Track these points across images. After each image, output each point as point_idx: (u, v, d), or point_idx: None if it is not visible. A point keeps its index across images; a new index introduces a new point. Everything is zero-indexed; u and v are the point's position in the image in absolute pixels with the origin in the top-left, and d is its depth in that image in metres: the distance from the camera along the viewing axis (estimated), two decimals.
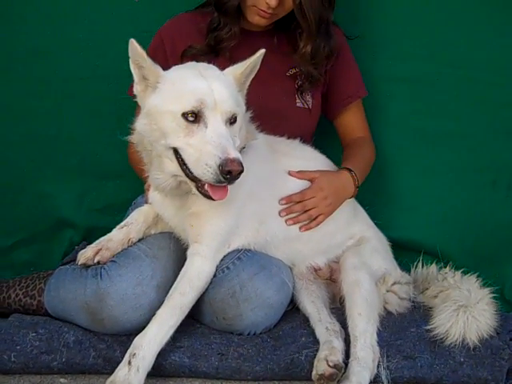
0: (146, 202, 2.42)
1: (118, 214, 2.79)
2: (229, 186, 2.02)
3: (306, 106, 2.64)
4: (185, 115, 1.98)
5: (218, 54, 2.51)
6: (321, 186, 2.38)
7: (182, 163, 2.02)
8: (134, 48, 2.03)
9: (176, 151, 2.02)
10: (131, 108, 2.63)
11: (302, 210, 2.36)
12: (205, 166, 1.92)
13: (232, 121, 2.05)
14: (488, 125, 2.84)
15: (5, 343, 2.16)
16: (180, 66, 2.18)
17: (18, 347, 2.15)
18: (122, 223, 2.36)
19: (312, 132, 2.73)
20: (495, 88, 2.80)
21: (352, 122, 2.78)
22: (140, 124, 2.09)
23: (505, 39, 2.77)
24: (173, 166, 2.05)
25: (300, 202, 2.35)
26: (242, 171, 1.91)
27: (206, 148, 1.94)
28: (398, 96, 2.88)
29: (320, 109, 2.72)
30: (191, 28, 2.56)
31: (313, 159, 2.53)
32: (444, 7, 2.78)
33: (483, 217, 2.87)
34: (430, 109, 2.86)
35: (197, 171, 1.96)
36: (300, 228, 2.38)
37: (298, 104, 2.63)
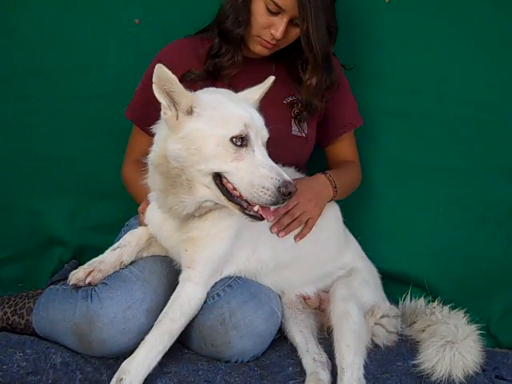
0: (140, 224, 2.41)
1: (108, 233, 2.80)
2: (228, 215, 2.12)
3: (303, 135, 2.66)
4: (233, 139, 1.99)
5: (217, 79, 2.52)
6: (301, 192, 2.33)
7: (222, 188, 2.03)
8: (163, 73, 1.99)
9: (217, 176, 2.03)
10: (126, 129, 2.68)
11: (291, 219, 2.36)
12: (261, 189, 1.96)
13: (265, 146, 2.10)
14: (479, 161, 2.87)
15: None
16: (205, 90, 2.18)
17: (5, 367, 2.13)
18: (115, 245, 2.35)
19: (306, 160, 2.74)
20: (487, 124, 2.83)
21: (343, 149, 2.80)
22: (173, 149, 2.04)
23: (499, 77, 2.81)
24: (205, 190, 2.06)
25: (286, 212, 2.36)
26: (296, 191, 1.98)
27: (259, 171, 1.98)
28: (390, 128, 2.91)
29: (315, 137, 2.73)
30: (190, 53, 2.57)
31: None
32: (441, 43, 2.82)
33: (472, 251, 2.89)
34: (422, 143, 2.89)
35: (251, 194, 1.97)
36: (295, 238, 2.39)
37: (293, 132, 2.65)
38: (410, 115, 2.88)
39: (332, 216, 2.60)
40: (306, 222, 2.40)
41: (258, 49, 2.49)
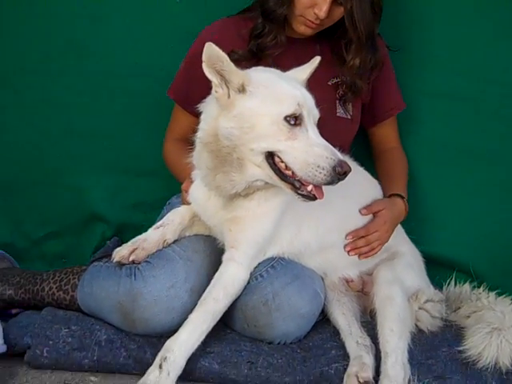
0: (183, 203, 2.41)
1: (150, 211, 2.82)
2: (274, 195, 2.11)
3: (348, 116, 2.62)
4: (287, 118, 1.97)
5: (261, 59, 2.48)
6: (385, 220, 2.43)
7: (274, 167, 2.02)
8: (214, 51, 1.98)
9: (269, 155, 2.01)
10: (168, 107, 2.66)
11: (366, 244, 2.39)
12: (317, 169, 1.94)
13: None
14: None
15: (38, 337, 2.18)
16: (255, 69, 2.16)
17: (51, 342, 2.17)
18: (158, 223, 2.35)
19: (350, 141, 2.71)
20: None
21: (387, 132, 2.79)
22: (225, 127, 2.02)
23: None
24: (256, 170, 2.05)
25: (366, 235, 2.40)
26: (351, 171, 1.97)
27: (313, 150, 1.97)
28: (434, 111, 2.85)
29: (360, 118, 2.70)
30: (233, 33, 2.54)
31: (353, 172, 2.51)
32: (490, 23, 2.74)
33: None
34: (466, 126, 2.82)
35: (306, 173, 1.96)
36: (359, 256, 2.42)
37: (338, 113, 2.62)
38: (454, 97, 2.81)
39: (376, 199, 2.56)
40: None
41: (302, 29, 2.45)
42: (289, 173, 2.00)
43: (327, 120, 2.52)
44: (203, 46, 2.47)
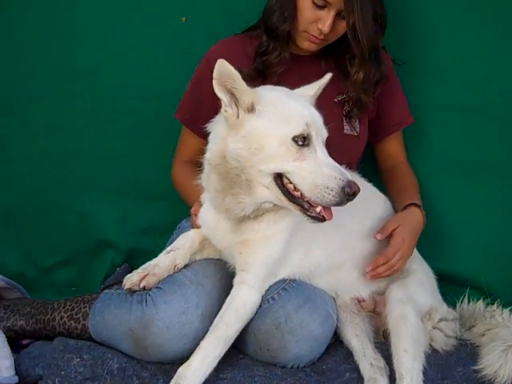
0: (193, 227, 2.40)
1: (160, 236, 2.82)
2: (283, 217, 2.12)
3: (354, 133, 2.62)
4: (295, 139, 1.97)
5: (266, 78, 2.49)
6: (403, 238, 2.39)
7: (283, 188, 2.01)
8: (225, 69, 1.96)
9: (278, 176, 2.00)
10: (175, 130, 2.66)
11: (389, 270, 2.38)
12: (326, 190, 1.93)
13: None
14: None
15: (50, 368, 2.16)
16: (264, 87, 2.15)
17: (63, 372, 2.14)
18: (168, 248, 2.34)
19: (358, 158, 2.70)
20: None
21: (394, 147, 2.78)
22: (234, 148, 2.01)
23: None
24: (265, 191, 2.03)
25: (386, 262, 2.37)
26: (359, 191, 1.96)
27: (322, 171, 1.95)
28: (444, 124, 2.84)
29: (367, 135, 2.70)
30: (239, 52, 2.55)
31: (362, 188, 2.49)
32: (497, 33, 2.75)
33: None
34: (474, 138, 2.82)
35: (314, 195, 1.95)
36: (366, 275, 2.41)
37: (345, 131, 2.62)
38: (463, 110, 2.81)
39: (386, 216, 2.55)
40: None
41: (306, 44, 2.46)
42: (297, 194, 1.99)
43: (334, 138, 2.51)
44: (210, 66, 2.50)
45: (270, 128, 1.98)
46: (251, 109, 2.00)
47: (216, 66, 1.96)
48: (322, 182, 1.94)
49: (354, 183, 1.95)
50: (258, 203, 2.08)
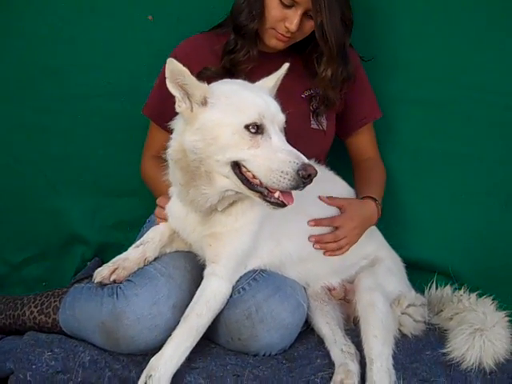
0: (158, 217, 2.41)
1: (130, 230, 2.83)
2: (250, 209, 2.13)
3: (321, 128, 2.65)
4: (248, 127, 1.99)
5: (234, 75, 2.49)
6: (351, 216, 2.42)
7: (241, 177, 2.02)
8: (175, 66, 2.00)
9: (235, 165, 2.02)
10: (143, 126, 2.67)
11: (334, 240, 2.38)
12: (280, 174, 1.94)
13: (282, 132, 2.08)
14: (500, 147, 2.84)
15: (20, 362, 2.15)
16: (220, 82, 2.18)
17: (34, 366, 2.13)
18: (138, 242, 2.35)
19: (326, 153, 2.73)
20: (508, 111, 2.80)
21: (364, 142, 2.81)
22: (190, 140, 2.05)
23: None
24: (225, 181, 2.06)
25: (329, 226, 2.39)
26: (317, 173, 1.95)
27: (277, 157, 1.96)
28: (410, 118, 2.90)
29: (334, 130, 2.72)
30: (206, 49, 2.56)
31: (329, 181, 2.55)
32: (459, 29, 2.79)
33: (496, 238, 2.87)
34: (442, 131, 2.87)
35: (270, 180, 1.96)
36: (324, 253, 2.40)
37: (312, 126, 2.64)
38: (429, 104, 2.86)
39: None
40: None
41: (273, 42, 2.48)
42: (256, 181, 2.01)
43: (301, 132, 2.56)
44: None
45: (223, 118, 2.02)
46: (204, 102, 2.04)
47: (166, 64, 2.01)
48: (277, 167, 1.95)
49: (310, 166, 1.95)
50: (221, 192, 2.10)
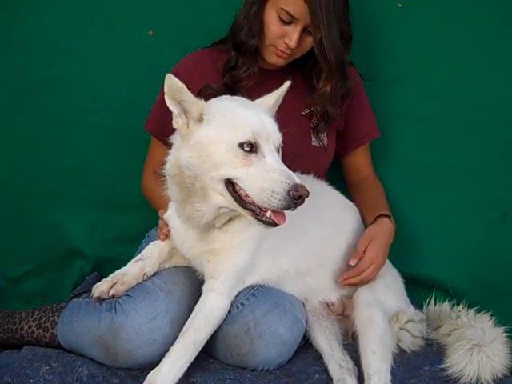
0: (160, 231, 2.40)
1: (129, 244, 2.81)
2: (248, 226, 2.15)
3: (322, 145, 2.65)
4: (241, 145, 1.99)
5: (236, 93, 2.50)
6: (376, 252, 2.43)
7: (235, 194, 2.02)
8: (173, 83, 2.02)
9: (229, 182, 2.02)
10: (144, 140, 2.68)
11: (360, 281, 2.42)
12: (271, 194, 1.93)
13: (277, 151, 2.08)
14: (498, 161, 2.84)
15: (18, 377, 2.14)
16: (218, 98, 2.18)
17: (31, 380, 2.13)
18: (137, 257, 2.36)
19: (326, 169, 2.74)
20: (505, 126, 2.80)
21: (361, 160, 2.82)
22: (185, 157, 2.05)
23: None
24: (219, 198, 2.05)
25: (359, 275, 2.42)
26: (308, 195, 1.94)
27: (269, 176, 1.95)
28: (407, 133, 2.90)
29: (334, 147, 2.73)
30: (208, 66, 2.58)
31: (328, 195, 2.57)
32: (456, 46, 2.80)
33: (494, 252, 2.86)
34: (439, 146, 2.87)
35: (262, 199, 1.95)
36: (340, 280, 2.46)
37: (313, 143, 2.65)
38: (426, 119, 2.86)
39: (353, 221, 2.61)
40: None
41: (273, 59, 2.49)
42: (249, 200, 2.00)
43: (302, 149, 2.57)
44: (179, 79, 2.52)
45: (217, 135, 2.02)
46: (200, 119, 2.05)
47: (165, 80, 2.02)
48: (269, 187, 1.94)
49: (302, 186, 1.93)
50: (215, 209, 2.10)
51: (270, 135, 2.04)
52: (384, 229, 2.52)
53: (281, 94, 2.23)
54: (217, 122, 2.04)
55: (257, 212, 2.01)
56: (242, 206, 2.03)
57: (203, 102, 2.08)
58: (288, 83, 2.24)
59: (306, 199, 1.94)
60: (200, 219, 2.13)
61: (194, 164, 2.04)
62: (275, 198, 1.93)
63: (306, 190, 1.93)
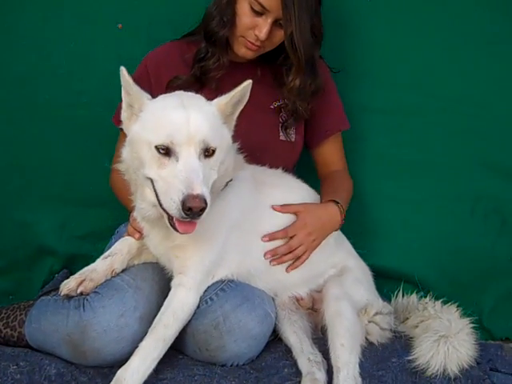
0: (129, 229, 2.40)
1: (99, 241, 2.80)
2: (214, 223, 2.12)
3: (289, 140, 2.65)
4: (157, 148, 1.98)
5: (204, 84, 2.51)
6: (305, 222, 2.37)
7: (156, 194, 2.02)
8: (123, 75, 2.04)
9: (152, 181, 2.03)
10: (114, 135, 2.66)
11: (288, 250, 2.36)
12: (169, 200, 1.92)
13: (208, 153, 2.03)
14: (466, 155, 2.88)
15: None
16: (166, 95, 2.17)
17: None
18: (106, 253, 2.34)
19: (294, 164, 2.74)
20: (473, 119, 2.85)
21: (330, 153, 2.78)
22: (124, 151, 2.11)
23: (484, 72, 2.83)
24: (152, 195, 2.05)
25: (284, 238, 2.36)
26: (204, 208, 1.90)
27: (173, 182, 1.94)
28: (377, 127, 2.93)
29: (303, 141, 2.73)
30: (177, 58, 2.57)
31: (296, 188, 2.54)
32: (425, 40, 2.84)
33: (461, 245, 2.91)
34: (409, 139, 2.91)
35: (165, 204, 1.96)
36: (286, 269, 2.39)
37: (281, 137, 2.64)
38: (396, 112, 2.90)
39: None
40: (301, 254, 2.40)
41: (243, 51, 2.49)
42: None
43: (270, 143, 2.57)
44: (147, 72, 2.51)
45: (142, 134, 2.03)
46: (138, 115, 2.07)
47: (120, 73, 2.04)
48: (170, 193, 1.93)
49: (198, 199, 1.88)
50: (153, 207, 2.09)
51: (192, 137, 1.98)
52: (324, 211, 2.46)
53: (238, 92, 2.15)
54: (145, 121, 2.06)
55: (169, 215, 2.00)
56: (160, 206, 2.01)
57: (145, 98, 2.08)
58: (248, 82, 2.16)
59: (203, 212, 1.90)
60: (144, 213, 2.15)
61: (128, 159, 2.09)
62: (172, 205, 1.92)
63: (201, 203, 1.89)
